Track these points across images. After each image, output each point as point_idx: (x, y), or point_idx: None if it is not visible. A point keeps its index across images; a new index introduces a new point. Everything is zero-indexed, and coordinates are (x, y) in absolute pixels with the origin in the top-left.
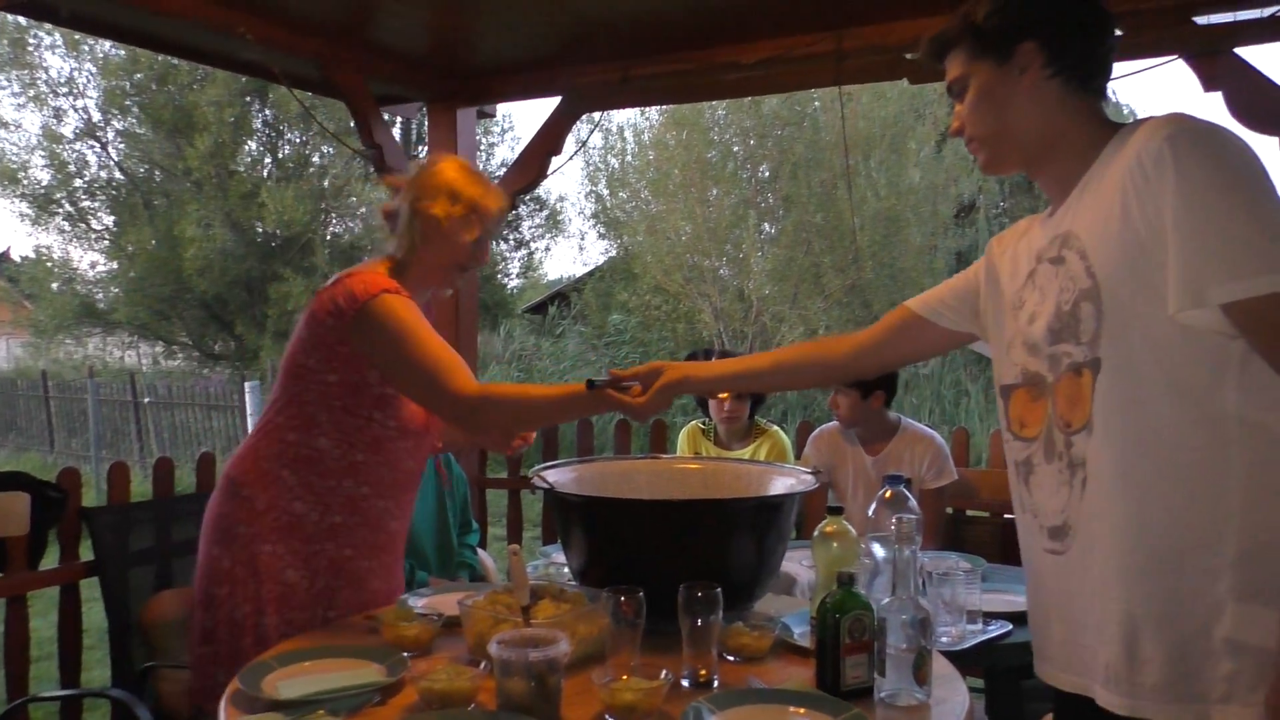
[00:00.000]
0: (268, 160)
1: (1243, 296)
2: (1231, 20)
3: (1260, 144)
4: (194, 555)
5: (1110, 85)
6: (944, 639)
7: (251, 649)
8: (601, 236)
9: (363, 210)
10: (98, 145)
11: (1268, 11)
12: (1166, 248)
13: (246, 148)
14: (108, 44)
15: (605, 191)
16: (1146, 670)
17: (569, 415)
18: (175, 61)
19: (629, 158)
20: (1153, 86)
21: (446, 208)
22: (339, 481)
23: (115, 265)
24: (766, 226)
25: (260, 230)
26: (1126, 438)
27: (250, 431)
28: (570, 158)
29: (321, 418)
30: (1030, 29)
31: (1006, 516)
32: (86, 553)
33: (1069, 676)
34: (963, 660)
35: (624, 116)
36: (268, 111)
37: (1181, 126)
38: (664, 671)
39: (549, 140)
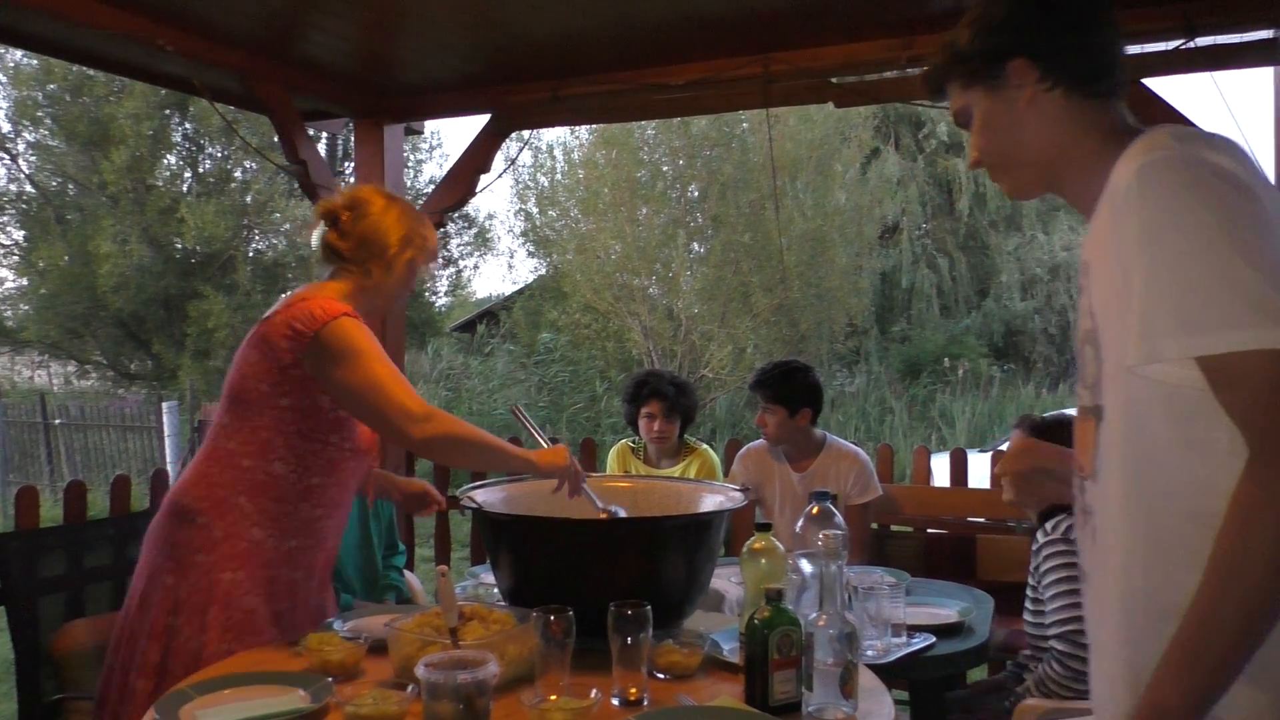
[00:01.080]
0: (188, 175)
1: (1198, 354)
2: (1140, 52)
3: None
4: (109, 582)
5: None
6: (870, 652)
7: None
8: (531, 255)
9: (286, 226)
10: (7, 157)
11: (1173, 44)
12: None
13: (165, 162)
14: (19, 53)
15: (534, 210)
16: None
17: (499, 459)
18: (91, 72)
19: (558, 176)
20: None
21: (415, 253)
22: (295, 506)
23: (25, 282)
24: (695, 246)
25: (180, 246)
26: (1127, 486)
27: (196, 457)
28: (499, 176)
29: (277, 443)
30: (1015, 45)
31: (930, 531)
32: None
33: None
34: (888, 673)
35: (553, 135)
36: (188, 125)
37: (1154, 155)
38: (594, 691)
39: (478, 158)
